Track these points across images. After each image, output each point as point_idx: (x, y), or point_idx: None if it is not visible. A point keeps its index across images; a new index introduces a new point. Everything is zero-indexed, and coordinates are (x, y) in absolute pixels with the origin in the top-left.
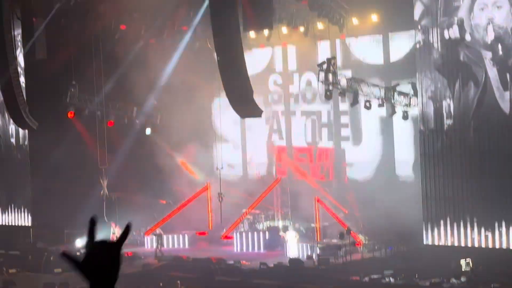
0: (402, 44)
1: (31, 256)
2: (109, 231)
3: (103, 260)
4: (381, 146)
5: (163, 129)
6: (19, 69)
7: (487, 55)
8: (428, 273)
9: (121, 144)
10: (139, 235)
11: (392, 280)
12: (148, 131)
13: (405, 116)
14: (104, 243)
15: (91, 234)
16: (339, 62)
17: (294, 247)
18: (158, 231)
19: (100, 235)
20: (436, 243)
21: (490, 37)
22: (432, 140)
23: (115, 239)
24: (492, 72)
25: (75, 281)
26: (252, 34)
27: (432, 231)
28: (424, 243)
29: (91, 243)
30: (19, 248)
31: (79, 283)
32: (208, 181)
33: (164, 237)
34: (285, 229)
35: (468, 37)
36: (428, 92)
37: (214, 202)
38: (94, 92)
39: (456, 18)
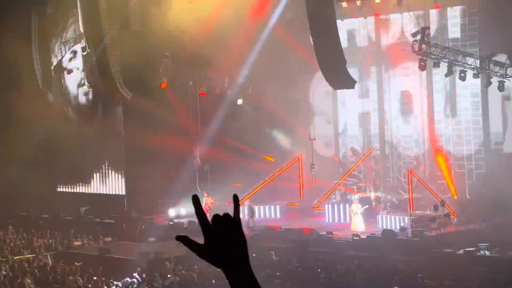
0: (498, 13)
1: (125, 224)
2: (201, 201)
3: (227, 241)
4: (475, 117)
5: (254, 100)
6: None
7: None
8: None
9: (213, 115)
10: (230, 205)
11: (487, 253)
12: (240, 101)
13: (501, 87)
14: (220, 219)
15: (200, 214)
16: (432, 31)
17: (358, 222)
18: (247, 203)
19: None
20: None
21: None
22: None
23: (207, 208)
24: None
25: (169, 250)
26: (344, 4)
27: None
28: None
29: (205, 224)
30: (114, 217)
31: (173, 252)
32: (300, 152)
33: (256, 207)
34: (360, 202)
35: None
36: None
37: (305, 172)
38: (187, 63)
39: None
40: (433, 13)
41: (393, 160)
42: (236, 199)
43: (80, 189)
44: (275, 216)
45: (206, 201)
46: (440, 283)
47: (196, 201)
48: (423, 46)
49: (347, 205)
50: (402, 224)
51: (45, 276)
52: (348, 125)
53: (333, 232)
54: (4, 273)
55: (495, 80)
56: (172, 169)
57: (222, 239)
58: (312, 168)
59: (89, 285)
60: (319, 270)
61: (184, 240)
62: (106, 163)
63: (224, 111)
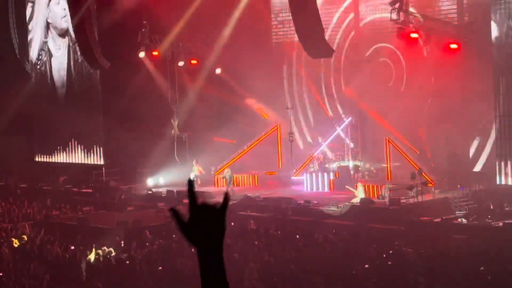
0: None
1: (104, 194)
2: (190, 170)
3: (208, 225)
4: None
5: (233, 69)
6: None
7: None
8: (501, 214)
9: (191, 84)
10: (209, 174)
11: (464, 221)
12: (218, 70)
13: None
14: (208, 207)
15: (192, 196)
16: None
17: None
18: (226, 171)
19: (179, 174)
20: (510, 183)
21: None
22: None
23: (192, 177)
24: None
25: (148, 219)
26: None
27: (505, 171)
28: (497, 183)
29: (194, 206)
30: (92, 187)
31: (151, 220)
32: (278, 121)
33: (234, 176)
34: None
35: None
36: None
37: (284, 141)
38: (165, 32)
39: None
40: None
41: (371, 129)
42: (226, 197)
43: (58, 158)
44: (254, 185)
45: (197, 169)
46: (417, 250)
47: (190, 184)
48: (401, 14)
49: (325, 174)
50: (380, 193)
51: (23, 245)
52: (326, 94)
53: (312, 201)
54: None
55: None
56: (150, 139)
57: (205, 222)
58: (290, 137)
59: (67, 255)
60: (297, 236)
61: (174, 213)
62: (84, 133)
63: (203, 80)
